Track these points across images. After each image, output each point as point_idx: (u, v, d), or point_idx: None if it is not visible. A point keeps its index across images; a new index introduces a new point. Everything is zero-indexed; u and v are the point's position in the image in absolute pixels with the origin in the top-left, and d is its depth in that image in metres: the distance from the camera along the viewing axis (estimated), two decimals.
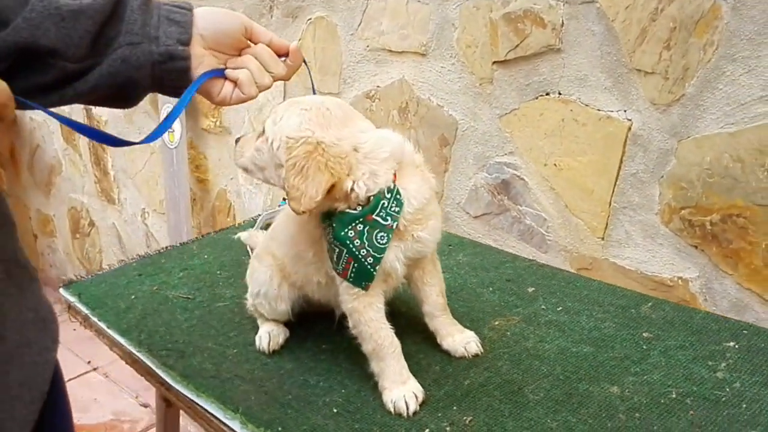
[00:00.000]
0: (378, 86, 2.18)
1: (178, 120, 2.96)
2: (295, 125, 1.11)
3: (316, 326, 1.41)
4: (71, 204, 4.24)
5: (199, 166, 3.17)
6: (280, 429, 1.11)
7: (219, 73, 1.07)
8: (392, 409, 1.13)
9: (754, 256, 1.47)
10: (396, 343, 1.18)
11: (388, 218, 1.11)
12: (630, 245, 1.68)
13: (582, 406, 1.08)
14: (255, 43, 1.09)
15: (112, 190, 3.91)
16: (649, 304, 1.34)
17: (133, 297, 1.60)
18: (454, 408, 1.11)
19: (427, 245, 1.19)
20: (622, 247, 1.70)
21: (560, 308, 1.36)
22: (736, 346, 1.17)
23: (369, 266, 1.12)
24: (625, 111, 1.63)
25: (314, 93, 1.23)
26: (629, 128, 1.62)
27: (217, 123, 2.96)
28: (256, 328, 1.43)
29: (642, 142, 1.61)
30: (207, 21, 1.04)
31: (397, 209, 1.11)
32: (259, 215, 2.01)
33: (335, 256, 1.14)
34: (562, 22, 1.69)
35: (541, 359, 1.21)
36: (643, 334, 1.24)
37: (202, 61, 1.05)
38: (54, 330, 0.98)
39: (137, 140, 1.06)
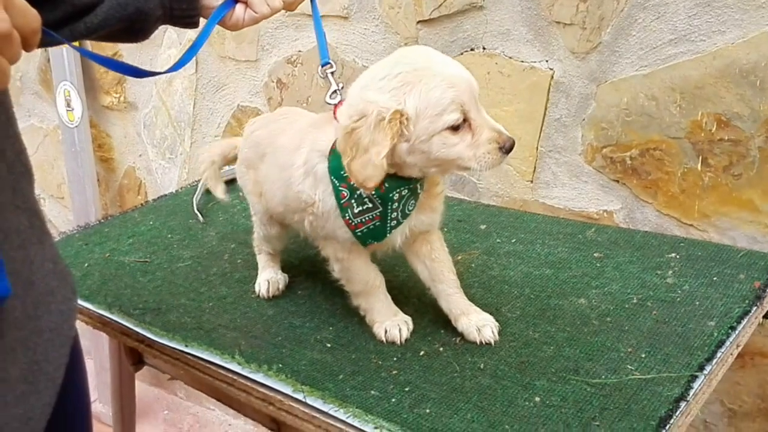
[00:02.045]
0: (300, 51, 2.23)
1: (77, 96, 2.86)
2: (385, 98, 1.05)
3: (288, 273, 1.47)
4: None
5: (102, 145, 3.08)
6: (280, 365, 1.16)
7: (232, 3, 1.09)
8: (385, 339, 1.21)
9: (671, 185, 1.65)
10: (382, 280, 1.25)
11: (420, 189, 1.15)
12: (557, 185, 1.84)
13: (557, 317, 1.21)
14: None
15: None
16: (593, 229, 1.49)
17: (86, 265, 1.59)
18: (442, 332, 1.21)
19: (434, 220, 1.22)
20: (550, 187, 1.85)
21: (514, 240, 1.49)
22: (678, 257, 1.34)
23: (389, 228, 1.15)
24: (547, 61, 1.77)
25: (320, 27, 1.26)
26: (552, 77, 1.77)
27: (121, 99, 2.89)
28: (225, 283, 1.47)
29: (564, 89, 1.76)
30: None
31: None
32: (199, 180, 2.01)
33: (360, 209, 1.13)
34: None
35: (510, 284, 1.33)
36: (594, 255, 1.39)
37: None
38: (72, 282, 1.00)
39: (162, 70, 1.08)
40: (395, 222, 1.14)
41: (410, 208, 1.15)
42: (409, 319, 1.23)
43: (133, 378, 1.74)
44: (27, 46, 0.67)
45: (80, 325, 1.43)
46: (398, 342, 1.20)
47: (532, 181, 1.87)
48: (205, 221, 1.82)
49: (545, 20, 1.74)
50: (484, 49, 1.86)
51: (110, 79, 2.89)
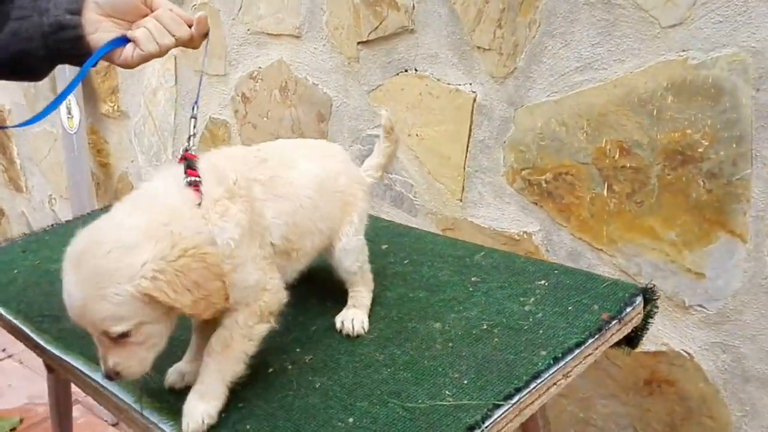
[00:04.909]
0: (260, 67, 2.32)
1: (76, 104, 3.02)
2: (125, 289, 0.97)
3: None
4: None
5: (101, 150, 3.25)
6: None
7: (120, 42, 1.13)
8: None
9: (582, 209, 1.67)
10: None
11: None
12: (483, 205, 1.88)
13: (407, 340, 1.25)
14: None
15: (19, 179, 3.93)
16: (482, 253, 1.52)
17: (15, 271, 1.71)
18: (297, 350, 1.27)
19: None
20: (477, 207, 1.89)
21: (407, 261, 1.54)
22: (546, 284, 1.36)
23: None
24: (470, 84, 1.81)
25: (204, 64, 1.30)
26: (474, 99, 1.81)
27: (115, 107, 3.04)
28: None
29: (486, 111, 1.80)
30: None
31: None
32: None
33: None
34: (413, 6, 1.85)
35: (382, 305, 1.37)
36: (472, 279, 1.42)
37: (98, 27, 1.12)
38: None
39: (17, 123, 1.15)
40: None
41: None
42: (184, 372, 1.20)
43: (69, 386, 1.85)
44: None
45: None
46: (175, 389, 1.18)
47: (461, 200, 1.91)
48: None
49: (468, 45, 1.78)
50: (416, 70, 1.91)
51: (106, 88, 3.04)
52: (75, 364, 1.32)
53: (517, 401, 1.06)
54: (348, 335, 1.30)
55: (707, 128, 1.43)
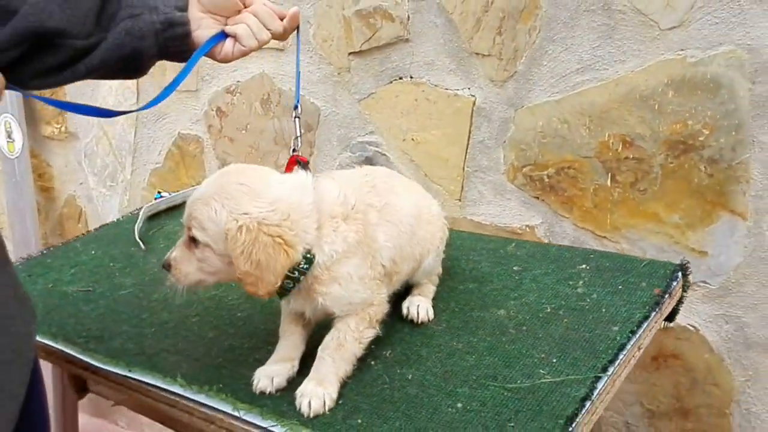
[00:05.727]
0: (238, 81, 2.32)
1: (18, 127, 2.89)
2: (224, 217, 1.09)
3: (228, 296, 1.56)
4: None
5: (42, 174, 3.11)
6: (220, 386, 1.23)
7: (221, 37, 1.15)
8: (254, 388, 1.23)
9: (585, 200, 1.80)
10: (296, 329, 1.26)
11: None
12: (483, 203, 1.97)
13: (479, 328, 1.32)
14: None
15: None
16: (513, 244, 1.62)
17: (33, 296, 1.64)
18: (373, 346, 1.30)
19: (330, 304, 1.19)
20: (477, 205, 1.98)
21: (444, 257, 1.61)
22: (588, 268, 1.47)
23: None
24: (469, 89, 1.90)
25: (298, 59, 1.30)
26: (474, 103, 1.90)
27: (62, 129, 2.93)
28: (167, 308, 1.54)
29: (485, 113, 1.89)
30: None
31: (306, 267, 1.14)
32: (140, 208, 2.07)
33: None
34: (408, 17, 1.93)
35: (436, 297, 1.44)
36: (514, 268, 1.51)
37: (200, 24, 1.14)
38: (31, 306, 1.08)
39: (134, 108, 1.14)
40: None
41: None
42: (287, 369, 1.23)
43: (76, 407, 1.78)
44: None
45: None
46: (266, 393, 1.20)
47: (460, 200, 2.00)
48: (147, 249, 1.87)
49: (466, 52, 1.87)
50: (411, 78, 1.99)
51: (52, 109, 2.93)
52: (144, 379, 1.29)
53: (612, 373, 1.15)
54: (413, 321, 1.36)
55: (707, 119, 1.59)
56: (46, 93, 2.84)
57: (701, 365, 1.74)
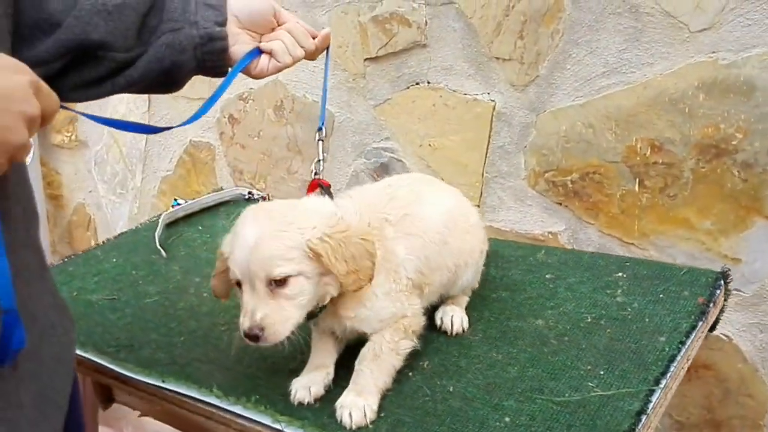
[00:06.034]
0: (251, 88, 2.28)
1: None
2: (299, 238, 1.07)
3: None
4: None
5: (51, 182, 3.09)
6: (257, 397, 1.19)
7: (256, 53, 1.15)
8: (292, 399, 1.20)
9: (611, 206, 1.75)
10: (328, 340, 1.24)
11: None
12: (503, 209, 1.92)
13: (517, 338, 1.27)
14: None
15: None
16: (542, 251, 1.57)
17: None
18: (409, 357, 1.26)
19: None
20: (496, 211, 1.93)
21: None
22: (624, 276, 1.42)
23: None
24: (488, 93, 1.86)
25: (326, 80, 1.32)
26: (494, 108, 1.86)
27: (72, 137, 2.90)
28: (194, 317, 1.49)
29: (506, 118, 1.85)
30: (240, 2, 1.14)
31: None
32: (160, 215, 2.02)
33: None
34: (426, 22, 1.89)
35: (470, 308, 1.39)
36: (546, 276, 1.47)
37: (237, 39, 1.13)
38: (69, 314, 1.06)
39: (175, 125, 1.19)
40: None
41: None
42: (323, 377, 1.21)
43: (96, 418, 1.73)
44: (45, 124, 0.76)
45: None
46: (304, 404, 1.17)
47: (479, 206, 1.95)
48: (168, 256, 1.83)
49: (485, 56, 1.83)
50: (428, 83, 1.94)
51: (62, 118, 2.89)
52: (179, 389, 1.25)
53: (665, 386, 1.10)
54: (446, 332, 1.32)
55: (741, 122, 1.55)
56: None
57: (734, 375, 1.69)
